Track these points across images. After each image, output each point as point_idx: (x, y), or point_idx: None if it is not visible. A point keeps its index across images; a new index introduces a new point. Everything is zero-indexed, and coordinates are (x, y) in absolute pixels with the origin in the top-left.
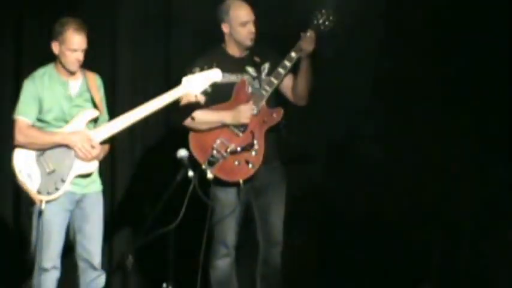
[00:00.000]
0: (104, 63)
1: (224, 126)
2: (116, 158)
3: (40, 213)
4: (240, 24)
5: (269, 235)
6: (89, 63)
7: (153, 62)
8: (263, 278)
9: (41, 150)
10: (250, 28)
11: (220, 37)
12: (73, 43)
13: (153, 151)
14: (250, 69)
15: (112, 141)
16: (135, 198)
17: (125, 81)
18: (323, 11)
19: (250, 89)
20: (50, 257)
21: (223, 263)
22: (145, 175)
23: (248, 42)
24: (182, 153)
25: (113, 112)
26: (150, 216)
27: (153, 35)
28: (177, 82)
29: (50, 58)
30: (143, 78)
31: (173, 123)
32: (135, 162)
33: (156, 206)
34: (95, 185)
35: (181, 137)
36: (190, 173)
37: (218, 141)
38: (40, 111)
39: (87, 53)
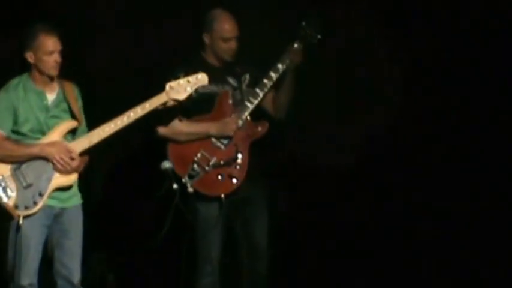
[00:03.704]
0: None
1: (206, 138)
2: (93, 171)
3: (18, 228)
4: (222, 39)
5: (253, 249)
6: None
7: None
8: None
9: (17, 163)
10: (231, 45)
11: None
12: (48, 46)
13: (133, 163)
14: (231, 80)
15: (90, 153)
16: (116, 213)
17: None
18: (309, 21)
19: (231, 100)
20: (27, 273)
21: (208, 282)
22: (126, 188)
23: (227, 58)
24: (167, 164)
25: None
26: (132, 231)
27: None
28: (158, 88)
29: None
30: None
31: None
32: (114, 174)
33: (140, 220)
34: (75, 199)
35: (163, 147)
36: (175, 186)
37: (199, 155)
38: (15, 122)
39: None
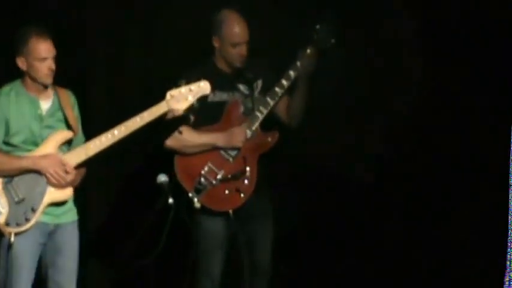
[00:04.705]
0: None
1: (214, 150)
2: (89, 184)
3: (9, 246)
4: (231, 45)
5: (256, 264)
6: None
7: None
8: None
9: (9, 176)
10: (242, 50)
11: (210, 49)
12: (40, 51)
13: (130, 176)
14: (242, 87)
15: (87, 165)
16: (112, 228)
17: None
18: (323, 25)
19: (242, 109)
20: None
21: None
22: (122, 202)
23: (237, 64)
24: (162, 178)
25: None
26: (128, 246)
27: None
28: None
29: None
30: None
31: (155, 145)
32: (110, 188)
33: (135, 235)
34: (70, 215)
35: (162, 160)
36: (171, 200)
37: (206, 168)
38: (6, 133)
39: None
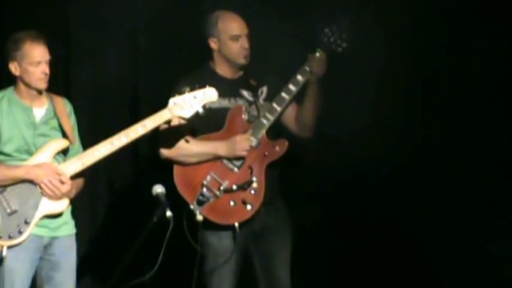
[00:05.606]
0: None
1: (216, 159)
2: (78, 196)
3: (1, 260)
4: (230, 38)
5: (272, 285)
6: None
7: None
8: None
9: (1, 187)
10: (243, 43)
11: (207, 54)
12: (34, 55)
13: (123, 187)
14: (245, 93)
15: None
16: (104, 244)
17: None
18: (334, 27)
19: (246, 116)
20: None
21: None
22: (115, 215)
23: (241, 60)
24: (158, 189)
25: None
26: (121, 264)
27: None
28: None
29: None
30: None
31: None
32: (101, 200)
33: (129, 252)
34: (67, 228)
35: (157, 170)
36: (169, 213)
37: (209, 178)
38: None
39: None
